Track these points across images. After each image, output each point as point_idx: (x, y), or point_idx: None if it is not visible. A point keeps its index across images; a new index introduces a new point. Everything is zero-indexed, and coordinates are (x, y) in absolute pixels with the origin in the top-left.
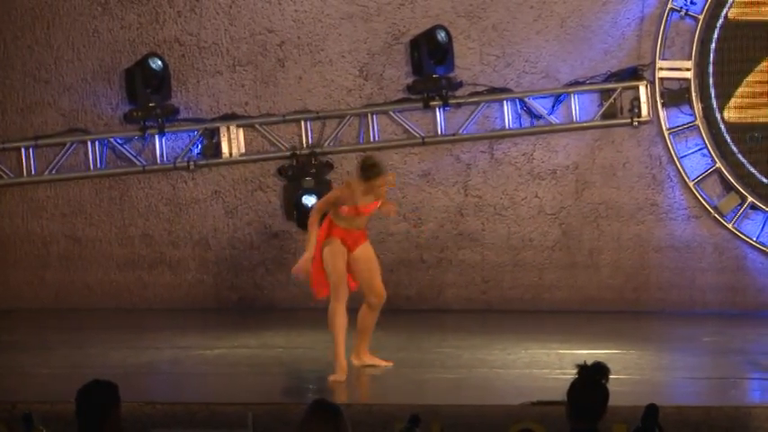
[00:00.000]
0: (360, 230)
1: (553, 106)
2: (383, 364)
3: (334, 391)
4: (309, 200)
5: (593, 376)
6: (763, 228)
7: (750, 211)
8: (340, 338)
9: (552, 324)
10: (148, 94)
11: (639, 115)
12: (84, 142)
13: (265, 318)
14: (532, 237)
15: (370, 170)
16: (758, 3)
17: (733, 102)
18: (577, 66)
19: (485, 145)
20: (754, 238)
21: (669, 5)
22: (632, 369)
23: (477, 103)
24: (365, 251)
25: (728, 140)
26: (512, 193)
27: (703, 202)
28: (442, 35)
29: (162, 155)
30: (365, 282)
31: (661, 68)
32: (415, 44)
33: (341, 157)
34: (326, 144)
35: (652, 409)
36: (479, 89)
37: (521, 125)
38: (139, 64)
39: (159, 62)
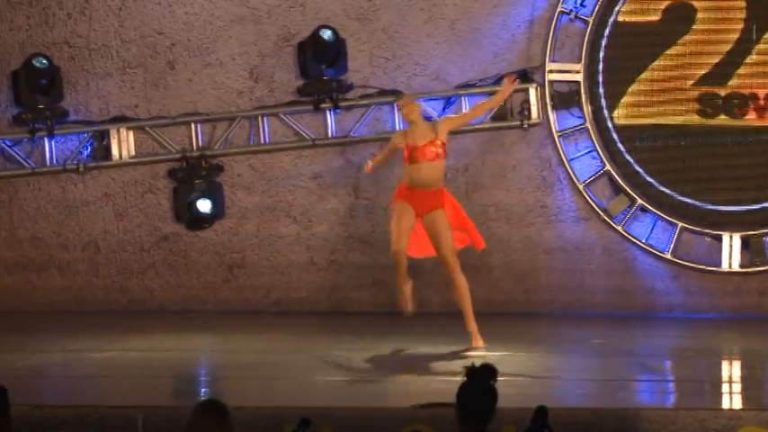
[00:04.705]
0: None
1: (444, 108)
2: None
3: (224, 393)
4: (204, 204)
5: (481, 378)
6: (651, 230)
7: (639, 213)
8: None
9: (441, 326)
10: (36, 96)
11: (529, 117)
12: None
13: (155, 320)
14: None
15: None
16: (647, 6)
17: (622, 104)
18: (468, 68)
19: (375, 147)
20: (643, 240)
21: (559, 8)
22: (522, 371)
23: (368, 106)
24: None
25: (618, 143)
26: None
27: (593, 204)
28: (327, 34)
29: (51, 157)
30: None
31: (551, 71)
32: (302, 47)
33: (231, 160)
34: (217, 146)
35: (542, 411)
36: (370, 91)
37: None
38: (24, 65)
39: (45, 61)
